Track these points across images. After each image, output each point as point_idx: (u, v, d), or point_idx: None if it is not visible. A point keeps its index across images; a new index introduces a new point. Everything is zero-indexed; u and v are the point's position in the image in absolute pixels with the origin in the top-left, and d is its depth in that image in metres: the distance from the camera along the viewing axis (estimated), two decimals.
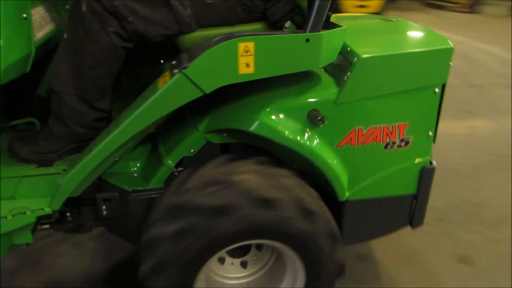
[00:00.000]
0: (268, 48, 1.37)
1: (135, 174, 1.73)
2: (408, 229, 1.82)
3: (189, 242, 1.39)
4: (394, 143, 1.62)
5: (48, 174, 1.58)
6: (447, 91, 1.61)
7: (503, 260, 2.34)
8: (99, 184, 1.65)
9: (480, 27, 9.64)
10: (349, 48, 1.56)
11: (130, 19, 1.42)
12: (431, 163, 1.70)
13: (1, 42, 1.24)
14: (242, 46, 1.34)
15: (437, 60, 1.56)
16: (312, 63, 1.46)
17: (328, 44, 1.46)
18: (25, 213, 1.48)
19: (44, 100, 1.86)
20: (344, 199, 1.63)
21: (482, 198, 2.95)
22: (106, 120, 1.65)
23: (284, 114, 1.51)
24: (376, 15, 2.32)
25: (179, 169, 1.65)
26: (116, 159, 1.62)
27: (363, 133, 1.57)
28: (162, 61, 1.81)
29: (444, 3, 12.51)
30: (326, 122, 1.49)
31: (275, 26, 1.57)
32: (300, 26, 1.57)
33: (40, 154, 1.61)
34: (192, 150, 1.62)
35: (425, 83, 1.57)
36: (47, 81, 1.87)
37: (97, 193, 1.63)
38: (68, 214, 1.73)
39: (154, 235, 1.44)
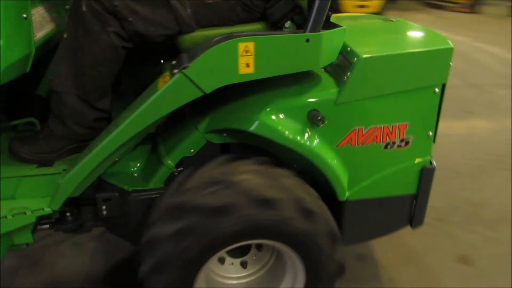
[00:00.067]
0: (268, 48, 1.37)
1: (135, 174, 1.73)
2: (408, 229, 1.82)
3: (189, 242, 1.39)
4: (394, 143, 1.61)
5: (48, 174, 1.58)
6: (447, 91, 1.61)
7: (503, 260, 2.34)
8: (99, 184, 1.65)
9: (480, 27, 9.64)
10: (349, 48, 1.56)
11: (130, 19, 1.42)
12: (431, 163, 1.69)
13: (1, 42, 1.24)
14: (242, 46, 1.34)
15: (437, 60, 1.56)
16: (312, 63, 1.45)
17: (328, 44, 1.46)
18: (25, 213, 1.47)
19: (44, 100, 1.86)
20: (344, 199, 1.63)
21: (482, 198, 2.95)
22: (106, 120, 1.65)
23: (284, 114, 1.51)
24: (376, 15, 2.32)
25: (179, 169, 1.65)
26: (116, 159, 1.62)
27: (363, 133, 1.57)
28: (162, 61, 1.81)
29: (444, 3, 12.51)
30: (326, 122, 1.49)
31: (275, 26, 1.57)
32: (300, 26, 1.57)
33: (40, 154, 1.61)
34: (192, 150, 1.62)
35: (425, 83, 1.57)
36: (47, 81, 1.87)
37: (97, 193, 1.63)
38: (68, 214, 1.73)
39: (154, 235, 1.44)
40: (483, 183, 3.17)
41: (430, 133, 1.64)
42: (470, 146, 3.75)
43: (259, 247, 1.76)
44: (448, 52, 1.56)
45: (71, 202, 1.65)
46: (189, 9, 1.47)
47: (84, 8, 1.41)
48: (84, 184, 1.54)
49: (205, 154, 1.62)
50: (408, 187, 1.70)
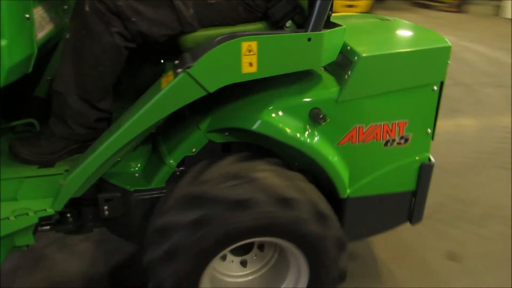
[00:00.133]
0: (271, 47, 1.39)
1: (137, 174, 1.73)
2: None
3: (205, 232, 1.39)
4: (394, 140, 1.64)
5: (50, 175, 1.57)
6: None
7: (491, 256, 2.37)
8: (101, 184, 1.65)
9: (467, 27, 9.76)
10: (349, 47, 1.58)
11: (133, 19, 1.42)
12: (429, 159, 1.72)
13: (5, 42, 1.24)
14: (245, 45, 1.35)
15: (435, 59, 1.59)
16: (313, 62, 1.47)
17: (329, 43, 1.48)
18: (27, 214, 1.47)
19: (43, 101, 1.85)
20: (345, 196, 1.65)
21: (470, 195, 2.99)
22: (107, 121, 1.65)
23: (286, 113, 1.52)
24: (374, 15, 2.35)
25: (180, 168, 1.66)
26: (118, 159, 1.62)
27: (364, 131, 1.60)
28: (162, 61, 1.81)
29: (431, 3, 12.62)
30: (328, 120, 1.50)
31: (276, 25, 1.58)
32: (301, 26, 1.58)
33: (41, 155, 1.60)
34: (194, 150, 1.63)
35: (424, 81, 1.60)
36: (45, 82, 1.86)
37: (99, 194, 1.63)
38: (68, 215, 1.72)
39: (168, 223, 1.42)
40: (471, 180, 3.21)
41: (429, 130, 1.67)
42: (457, 144, 3.79)
43: (261, 246, 1.77)
44: (446, 50, 1.59)
45: (71, 203, 1.64)
46: (192, 9, 1.48)
47: (87, 8, 1.41)
48: (87, 184, 1.54)
49: (207, 153, 1.62)
50: (407, 184, 1.73)
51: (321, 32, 1.42)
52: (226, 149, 1.68)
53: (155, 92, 1.40)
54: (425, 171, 1.71)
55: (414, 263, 2.31)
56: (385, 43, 1.67)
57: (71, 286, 2.07)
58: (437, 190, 2.96)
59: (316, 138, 1.55)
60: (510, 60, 6.57)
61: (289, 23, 1.58)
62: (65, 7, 1.87)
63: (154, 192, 1.65)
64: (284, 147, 1.54)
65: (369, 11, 9.74)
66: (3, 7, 1.22)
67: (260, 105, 1.53)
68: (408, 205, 1.77)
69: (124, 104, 1.74)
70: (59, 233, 1.77)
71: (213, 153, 1.63)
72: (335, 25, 1.56)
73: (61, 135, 1.60)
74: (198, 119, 1.63)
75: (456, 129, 4.12)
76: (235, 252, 1.74)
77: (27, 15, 1.34)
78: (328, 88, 1.56)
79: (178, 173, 1.65)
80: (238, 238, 1.47)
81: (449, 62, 1.60)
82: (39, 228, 1.67)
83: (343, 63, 1.58)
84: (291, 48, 1.41)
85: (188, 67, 1.34)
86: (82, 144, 1.63)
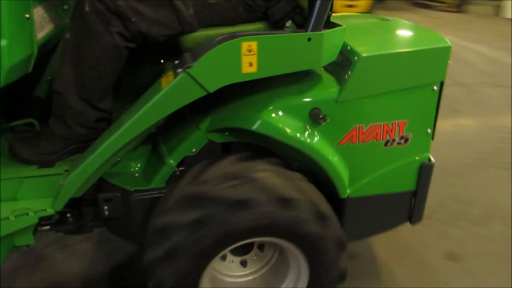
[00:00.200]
0: (271, 47, 1.39)
1: (136, 174, 1.73)
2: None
3: (205, 232, 1.39)
4: (394, 140, 1.64)
5: (50, 175, 1.57)
6: None
7: (491, 256, 2.37)
8: (101, 184, 1.65)
9: (467, 27, 9.76)
10: (349, 47, 1.58)
11: (133, 19, 1.42)
12: (429, 159, 1.72)
13: (5, 42, 1.24)
14: (245, 45, 1.35)
15: (435, 59, 1.59)
16: (313, 62, 1.47)
17: (329, 43, 1.48)
18: (27, 214, 1.47)
19: (43, 101, 1.85)
20: (345, 196, 1.65)
21: (470, 195, 2.99)
22: (107, 121, 1.65)
23: (286, 113, 1.52)
24: (374, 15, 2.35)
25: (180, 168, 1.66)
26: (118, 159, 1.62)
27: (364, 130, 1.60)
28: (162, 61, 1.81)
29: (431, 3, 12.62)
30: (328, 120, 1.50)
31: (276, 25, 1.58)
32: (301, 26, 1.58)
33: (41, 155, 1.60)
34: (194, 150, 1.63)
35: (424, 81, 1.60)
36: (45, 82, 1.86)
37: (99, 194, 1.63)
38: (68, 215, 1.72)
39: (168, 223, 1.42)
40: (471, 180, 3.21)
41: (429, 130, 1.67)
42: (457, 144, 3.79)
43: (261, 246, 1.77)
44: (446, 50, 1.59)
45: (71, 203, 1.64)
46: (192, 9, 1.48)
47: (87, 8, 1.41)
48: (87, 184, 1.54)
49: (207, 153, 1.62)
50: (407, 184, 1.73)
51: (321, 32, 1.42)
52: (226, 149, 1.68)
53: (155, 92, 1.40)
54: (425, 171, 1.71)
55: (414, 263, 2.31)
56: (385, 43, 1.68)
57: (71, 286, 2.07)
58: (437, 190, 2.96)
59: (316, 138, 1.55)
60: (510, 60, 6.57)
61: (289, 23, 1.58)
62: (65, 7, 1.87)
63: (154, 192, 1.65)
64: (284, 147, 1.54)
65: (369, 11, 9.74)
66: (3, 7, 1.22)
67: (260, 105, 1.53)
68: (408, 205, 1.77)
69: (124, 104, 1.74)
70: (59, 233, 1.77)
71: (213, 153, 1.64)
72: (335, 25, 1.56)
73: (61, 135, 1.60)
74: (198, 119, 1.63)
75: (456, 129, 4.12)
76: (235, 252, 1.74)
77: (27, 15, 1.34)
78: (328, 88, 1.56)
79: (178, 173, 1.65)
80: (238, 238, 1.46)
81: (449, 62, 1.60)
82: (39, 228, 1.67)
83: (343, 63, 1.58)
84: (291, 48, 1.41)
85: (188, 67, 1.34)
86: (82, 144, 1.63)
